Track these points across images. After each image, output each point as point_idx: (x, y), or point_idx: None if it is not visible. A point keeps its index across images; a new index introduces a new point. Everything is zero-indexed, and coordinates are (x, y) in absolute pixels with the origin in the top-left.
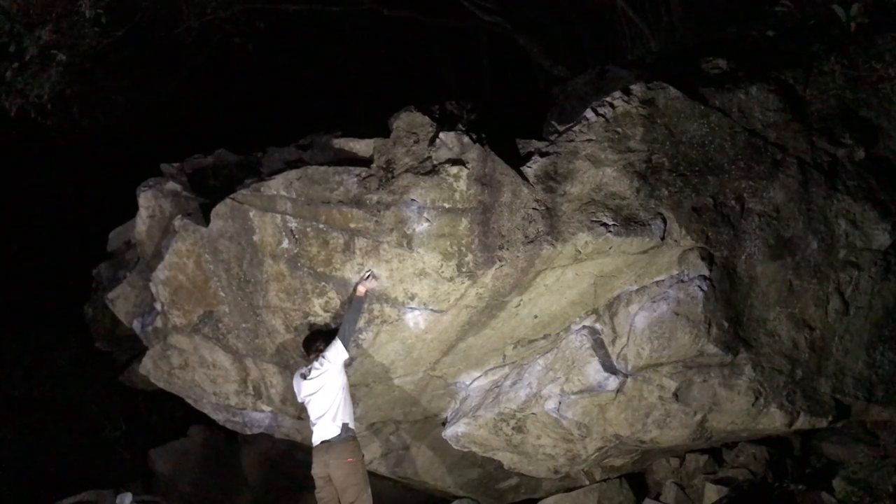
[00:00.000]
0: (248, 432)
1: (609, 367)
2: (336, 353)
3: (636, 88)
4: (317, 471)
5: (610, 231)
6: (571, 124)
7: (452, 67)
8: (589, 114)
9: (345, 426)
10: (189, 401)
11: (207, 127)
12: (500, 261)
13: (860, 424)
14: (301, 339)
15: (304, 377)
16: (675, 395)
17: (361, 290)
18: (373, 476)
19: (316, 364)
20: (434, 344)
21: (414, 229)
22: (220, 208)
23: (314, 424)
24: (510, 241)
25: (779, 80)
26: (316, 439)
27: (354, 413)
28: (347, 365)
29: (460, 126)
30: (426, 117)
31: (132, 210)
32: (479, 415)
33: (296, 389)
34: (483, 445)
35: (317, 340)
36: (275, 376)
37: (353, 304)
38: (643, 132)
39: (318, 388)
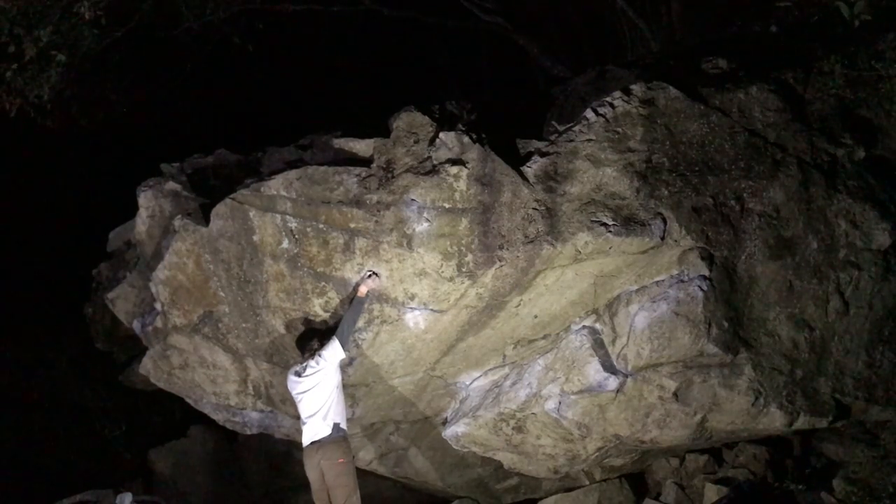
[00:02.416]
0: (248, 432)
1: (609, 367)
2: (333, 352)
3: (636, 88)
4: (309, 473)
5: (610, 231)
6: (571, 124)
7: (452, 67)
8: (589, 114)
9: (336, 426)
10: (189, 401)
11: (207, 127)
12: (500, 261)
13: (860, 424)
14: (309, 328)
15: (299, 375)
16: (675, 395)
17: (363, 289)
18: (373, 476)
19: (311, 362)
20: (434, 344)
21: (414, 229)
22: (220, 208)
23: (304, 423)
24: (510, 240)
25: (779, 80)
26: (306, 439)
27: (353, 413)
28: (347, 365)
29: (460, 126)
30: (426, 117)
31: (132, 210)
32: (479, 415)
33: (289, 387)
34: (483, 445)
35: (311, 339)
36: (275, 376)
37: (353, 303)
38: (643, 132)
39: (312, 386)
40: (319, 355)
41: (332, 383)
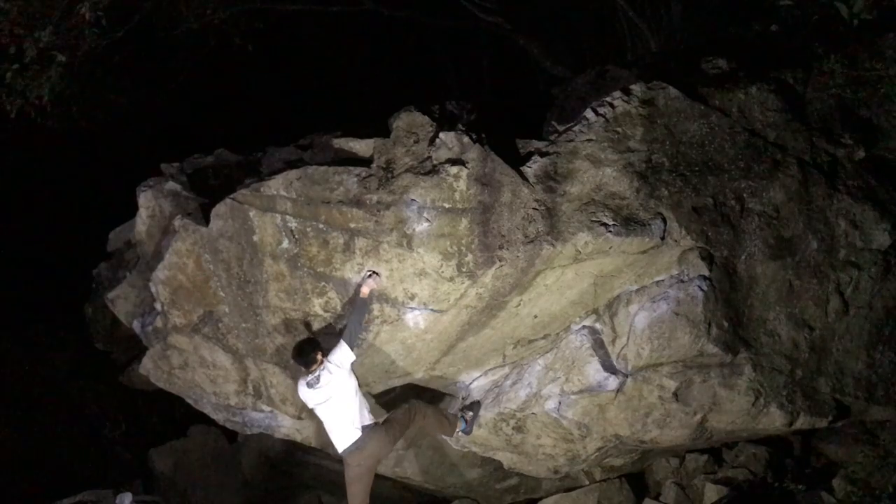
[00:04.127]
0: (248, 432)
1: (609, 367)
2: (343, 356)
3: (636, 88)
4: (352, 471)
5: (610, 231)
6: (571, 124)
7: (452, 67)
8: (589, 114)
9: (364, 427)
10: (189, 401)
11: (207, 127)
12: (500, 261)
13: (860, 424)
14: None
15: (312, 386)
16: (675, 395)
17: (365, 290)
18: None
19: (323, 373)
20: (434, 344)
21: (414, 229)
22: (220, 208)
23: (332, 432)
24: (510, 240)
25: (779, 80)
26: (340, 446)
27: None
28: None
29: (460, 126)
30: (426, 117)
31: (132, 210)
32: (479, 415)
33: (302, 398)
34: (483, 445)
35: (313, 350)
36: (275, 376)
37: (357, 305)
38: (643, 132)
39: (329, 396)
40: (329, 362)
41: (350, 389)
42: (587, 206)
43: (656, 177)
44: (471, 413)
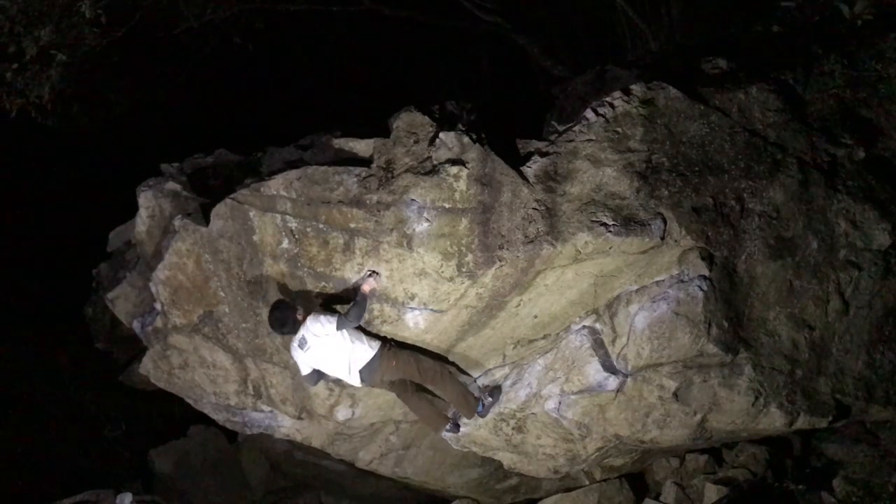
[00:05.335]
0: (248, 432)
1: (609, 367)
2: (325, 327)
3: (636, 88)
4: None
5: (610, 231)
6: (571, 124)
7: (452, 67)
8: (589, 114)
9: (361, 370)
10: (189, 401)
11: (207, 127)
12: (500, 261)
13: (860, 424)
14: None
15: (302, 347)
16: (675, 395)
17: (365, 288)
18: (373, 476)
19: (308, 335)
20: (434, 344)
21: (414, 229)
22: (220, 208)
23: (339, 378)
24: (510, 241)
25: (779, 80)
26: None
27: (353, 413)
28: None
29: (460, 126)
30: (426, 117)
31: (132, 210)
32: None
33: (293, 355)
34: (483, 445)
35: (290, 316)
36: (275, 376)
37: (357, 299)
38: (643, 132)
39: (319, 357)
40: (311, 326)
41: (341, 345)
42: (587, 206)
43: (656, 177)
44: (490, 399)
